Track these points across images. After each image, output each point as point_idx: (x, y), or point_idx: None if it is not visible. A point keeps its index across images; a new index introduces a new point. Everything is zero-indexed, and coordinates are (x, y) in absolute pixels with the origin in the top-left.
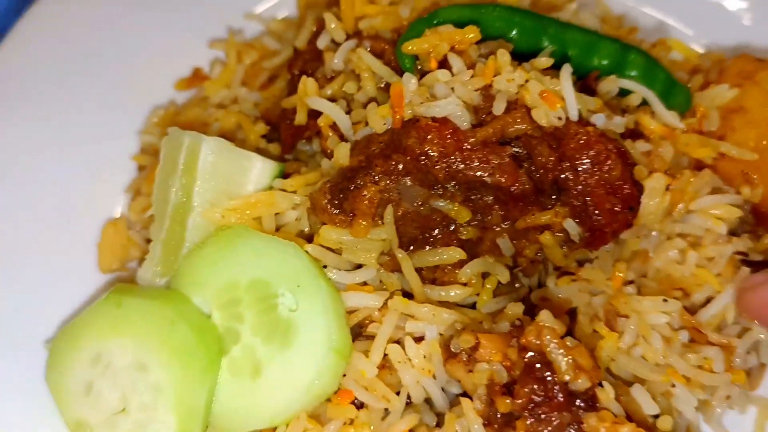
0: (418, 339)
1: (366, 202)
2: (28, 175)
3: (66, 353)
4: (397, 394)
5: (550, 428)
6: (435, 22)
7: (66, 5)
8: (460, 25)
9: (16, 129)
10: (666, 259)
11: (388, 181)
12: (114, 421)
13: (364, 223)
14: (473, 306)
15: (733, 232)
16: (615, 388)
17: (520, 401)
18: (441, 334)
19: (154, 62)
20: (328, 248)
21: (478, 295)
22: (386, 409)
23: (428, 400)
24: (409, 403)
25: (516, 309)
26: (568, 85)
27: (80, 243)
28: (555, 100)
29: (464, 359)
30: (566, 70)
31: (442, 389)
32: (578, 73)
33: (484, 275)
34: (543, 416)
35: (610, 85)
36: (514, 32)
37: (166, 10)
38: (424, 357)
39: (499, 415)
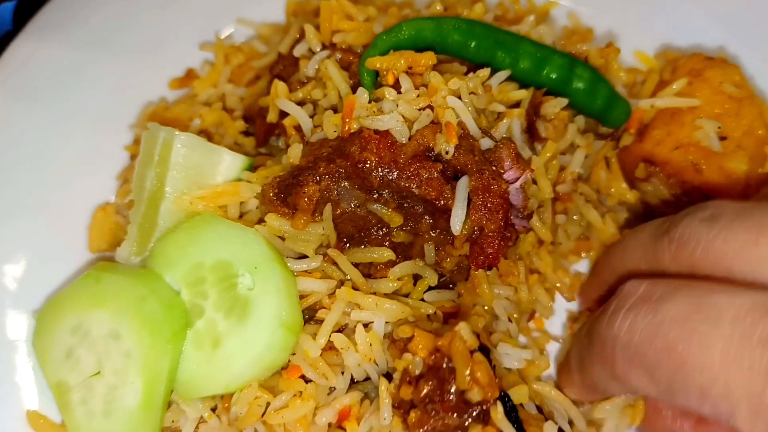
0: (368, 324)
1: (306, 199)
2: (31, 161)
3: (50, 322)
4: (343, 373)
5: (435, 426)
6: (398, 33)
7: (73, 9)
8: (422, 38)
9: (24, 120)
10: None
11: (329, 182)
12: (90, 383)
13: (303, 218)
14: None
15: None
16: (530, 418)
17: (419, 394)
18: (387, 322)
19: (152, 63)
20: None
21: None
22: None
23: None
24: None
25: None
26: (471, 124)
27: (75, 225)
28: (452, 134)
29: (401, 346)
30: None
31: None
32: (530, 83)
33: (417, 276)
34: (433, 412)
35: (553, 108)
36: (472, 44)
37: (165, 15)
38: (370, 345)
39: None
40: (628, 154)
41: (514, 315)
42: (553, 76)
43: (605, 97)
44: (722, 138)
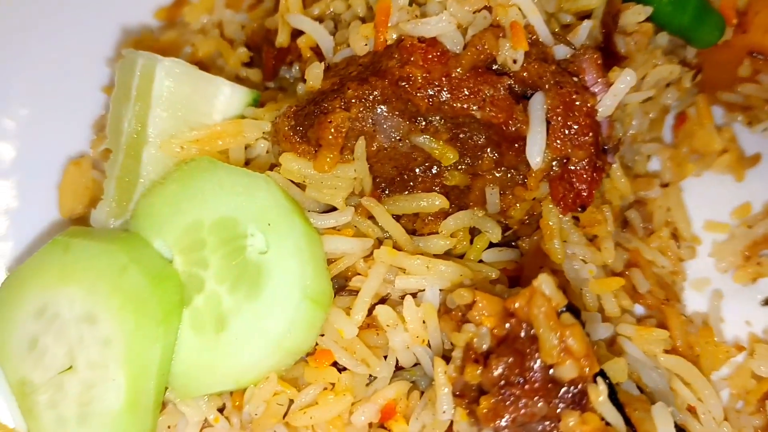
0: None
1: (332, 130)
2: None
3: (9, 304)
4: (385, 357)
5: (516, 415)
6: None
7: None
8: None
9: None
10: None
11: (361, 108)
12: (60, 380)
13: (330, 156)
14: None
15: None
16: (635, 401)
17: (491, 374)
18: (441, 290)
19: None
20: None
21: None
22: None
23: None
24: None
25: None
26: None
27: (43, 184)
28: (521, 37)
29: (458, 317)
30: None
31: None
32: None
33: (474, 231)
34: (511, 398)
35: (636, 17)
36: None
37: None
38: (424, 322)
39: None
40: (728, 49)
41: (592, 278)
42: None
43: (694, 8)
44: None
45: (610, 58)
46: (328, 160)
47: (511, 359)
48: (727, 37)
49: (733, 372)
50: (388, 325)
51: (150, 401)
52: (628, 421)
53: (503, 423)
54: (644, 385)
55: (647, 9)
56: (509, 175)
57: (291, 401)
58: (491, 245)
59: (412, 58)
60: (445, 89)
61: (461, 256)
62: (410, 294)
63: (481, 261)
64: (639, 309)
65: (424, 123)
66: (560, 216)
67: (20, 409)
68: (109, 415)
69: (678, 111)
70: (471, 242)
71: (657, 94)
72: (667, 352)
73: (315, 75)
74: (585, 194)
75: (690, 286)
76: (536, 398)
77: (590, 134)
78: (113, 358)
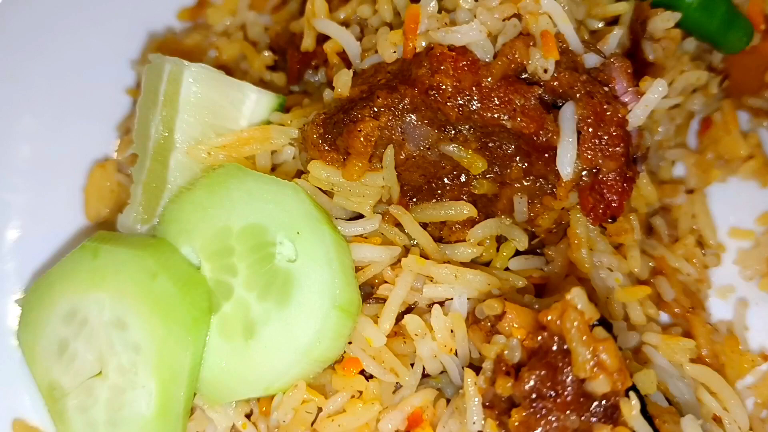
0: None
1: (362, 138)
2: (10, 108)
3: (38, 309)
4: (412, 365)
5: (548, 428)
6: None
7: None
8: None
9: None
10: None
11: (390, 117)
12: (90, 385)
13: (359, 164)
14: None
15: None
16: (664, 413)
17: (522, 387)
18: (468, 299)
19: None
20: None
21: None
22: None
23: None
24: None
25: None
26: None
27: (68, 187)
28: (552, 46)
29: (488, 328)
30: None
31: None
32: None
33: (500, 239)
34: (543, 411)
35: (664, 23)
36: None
37: None
38: (452, 331)
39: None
40: (756, 55)
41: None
42: None
43: (723, 14)
44: None
45: (637, 63)
46: (357, 168)
47: (543, 372)
48: (754, 42)
49: (757, 381)
50: (416, 335)
51: (180, 408)
52: None
53: None
54: (671, 395)
55: (676, 15)
56: (538, 184)
57: (319, 409)
58: (517, 253)
59: (442, 67)
60: (475, 99)
61: (487, 264)
62: (437, 302)
63: (507, 269)
64: (664, 317)
65: (453, 132)
66: (587, 225)
67: (50, 413)
68: (140, 421)
69: (703, 116)
70: (497, 250)
71: (683, 100)
72: (692, 361)
73: (344, 82)
74: (616, 205)
75: (715, 294)
76: (568, 412)
77: (621, 145)
78: (143, 364)
